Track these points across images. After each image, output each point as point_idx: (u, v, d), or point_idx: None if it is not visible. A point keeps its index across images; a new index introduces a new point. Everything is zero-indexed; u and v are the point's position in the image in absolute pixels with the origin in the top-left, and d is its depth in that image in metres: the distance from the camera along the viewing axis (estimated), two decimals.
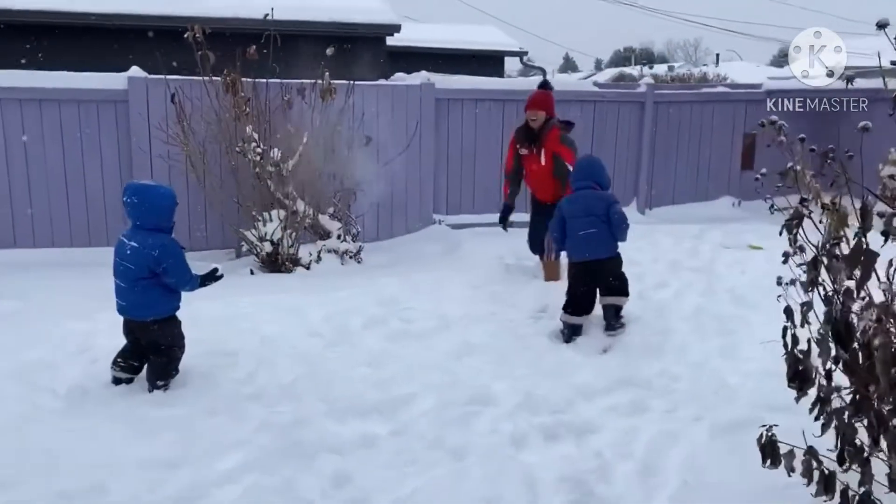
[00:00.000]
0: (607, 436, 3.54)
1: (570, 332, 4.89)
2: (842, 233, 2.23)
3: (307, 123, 6.96)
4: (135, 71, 7.21)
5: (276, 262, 6.77)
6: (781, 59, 48.31)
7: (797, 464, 2.48)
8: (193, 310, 5.29)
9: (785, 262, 2.24)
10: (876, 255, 1.96)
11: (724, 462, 3.23)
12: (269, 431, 3.52)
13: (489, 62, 19.00)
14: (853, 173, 2.27)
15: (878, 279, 2.01)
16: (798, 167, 2.19)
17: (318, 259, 6.84)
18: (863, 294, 2.21)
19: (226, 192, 7.01)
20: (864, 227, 1.92)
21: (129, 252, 3.90)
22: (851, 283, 2.26)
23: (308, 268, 6.79)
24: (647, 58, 50.04)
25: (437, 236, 7.97)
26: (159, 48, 7.32)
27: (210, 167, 6.92)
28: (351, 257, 6.99)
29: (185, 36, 6.59)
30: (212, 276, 4.26)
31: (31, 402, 3.79)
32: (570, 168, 5.76)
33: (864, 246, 1.93)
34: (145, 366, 4.10)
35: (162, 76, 6.93)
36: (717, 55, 42.46)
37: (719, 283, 5.85)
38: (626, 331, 4.88)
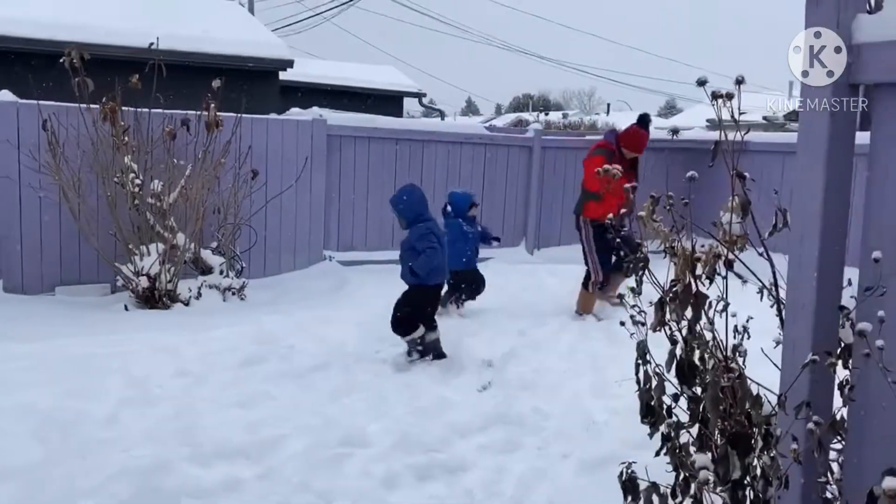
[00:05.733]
0: (479, 474, 3.55)
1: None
2: (685, 275, 2.35)
3: (191, 156, 6.79)
4: (4, 95, 6.82)
5: (153, 298, 6.50)
6: (668, 111, 51.36)
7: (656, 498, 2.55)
8: (56, 347, 5.01)
9: (620, 303, 2.34)
10: (706, 297, 2.09)
11: (589, 498, 3.30)
12: (125, 477, 3.31)
13: (388, 101, 19.22)
14: (702, 217, 2.42)
15: (709, 321, 2.13)
16: (642, 213, 2.31)
17: (199, 295, 6.62)
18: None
19: (101, 224, 6.70)
20: (694, 271, 2.04)
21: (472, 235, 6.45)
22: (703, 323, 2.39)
23: (187, 304, 6.55)
24: (545, 105, 51.84)
25: (326, 273, 7.88)
26: (34, 72, 6.97)
27: (85, 198, 6.61)
28: (234, 294, 6.80)
29: (62, 61, 6.34)
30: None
31: None
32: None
33: (695, 289, 2.05)
34: None
35: (34, 101, 6.60)
36: (609, 105, 44.61)
37: (597, 322, 6.04)
38: (505, 369, 4.95)
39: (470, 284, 6.50)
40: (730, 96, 1.94)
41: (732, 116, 1.96)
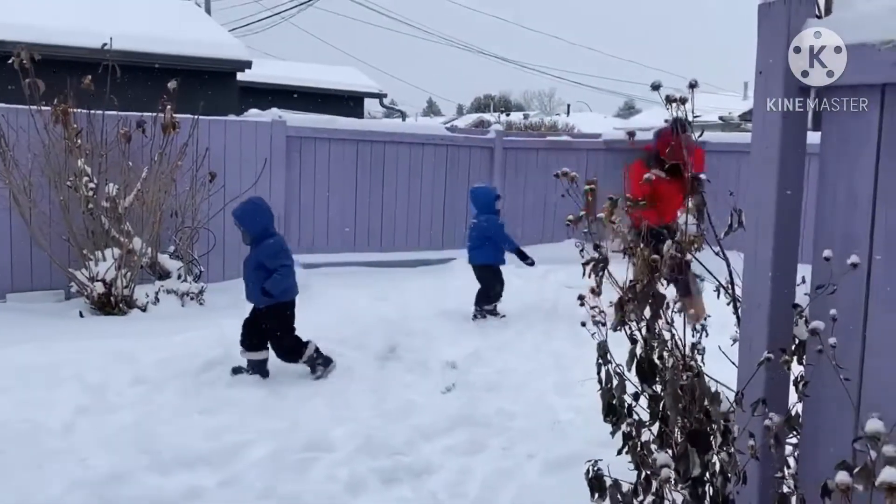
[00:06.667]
0: (444, 476, 3.55)
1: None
2: (644, 275, 2.38)
3: (147, 158, 6.66)
4: None
5: (109, 304, 6.35)
6: (626, 111, 52.06)
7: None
8: (8, 355, 4.87)
9: (581, 304, 2.37)
10: (663, 297, 2.12)
11: (554, 498, 3.32)
12: (81, 489, 3.24)
13: (349, 102, 19.12)
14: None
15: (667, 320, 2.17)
16: (602, 215, 2.34)
17: (156, 300, 6.49)
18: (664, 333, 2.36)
19: (54, 229, 6.54)
20: (652, 271, 2.07)
21: (472, 226, 6.52)
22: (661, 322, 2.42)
23: (144, 310, 6.43)
24: (505, 105, 52.04)
25: None
26: None
27: (37, 202, 6.44)
28: (192, 298, 6.69)
29: (10, 62, 6.17)
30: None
31: None
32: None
33: (653, 289, 2.08)
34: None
35: None
36: (569, 105, 45.07)
37: (560, 322, 6.09)
38: (469, 370, 4.96)
39: (502, 282, 6.50)
40: (683, 100, 1.97)
41: (686, 119, 1.99)
